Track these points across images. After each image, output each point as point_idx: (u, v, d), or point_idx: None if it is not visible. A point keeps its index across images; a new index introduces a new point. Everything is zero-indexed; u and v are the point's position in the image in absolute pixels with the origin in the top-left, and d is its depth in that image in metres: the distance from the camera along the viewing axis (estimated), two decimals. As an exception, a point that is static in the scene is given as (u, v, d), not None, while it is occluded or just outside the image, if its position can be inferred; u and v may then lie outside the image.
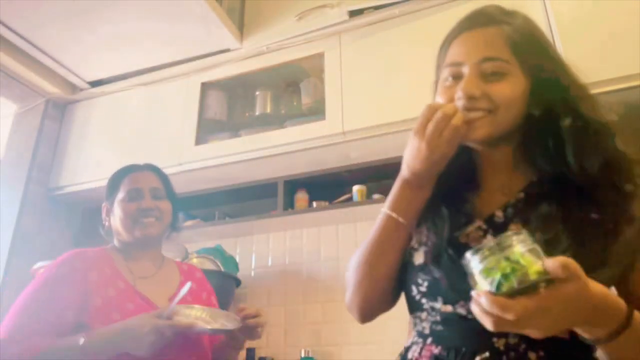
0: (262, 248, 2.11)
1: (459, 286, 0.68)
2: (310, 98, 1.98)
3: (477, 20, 0.79)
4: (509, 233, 0.55)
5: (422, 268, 0.75)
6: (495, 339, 0.66)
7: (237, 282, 1.95)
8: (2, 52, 1.98)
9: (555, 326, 0.56)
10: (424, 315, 0.76)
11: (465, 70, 0.75)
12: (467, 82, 0.74)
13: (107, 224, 1.40)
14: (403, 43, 1.76)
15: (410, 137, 0.74)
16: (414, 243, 0.79)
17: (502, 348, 0.66)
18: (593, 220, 0.68)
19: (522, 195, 0.76)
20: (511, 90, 0.74)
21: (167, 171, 1.96)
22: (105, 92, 2.28)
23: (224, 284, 1.86)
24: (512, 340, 0.66)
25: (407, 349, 0.78)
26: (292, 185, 1.99)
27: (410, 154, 0.75)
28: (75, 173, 2.18)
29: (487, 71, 0.74)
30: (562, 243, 0.64)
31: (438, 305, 0.73)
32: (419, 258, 0.77)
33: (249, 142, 1.91)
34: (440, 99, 0.78)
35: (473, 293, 0.56)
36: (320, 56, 1.91)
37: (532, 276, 0.52)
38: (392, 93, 1.71)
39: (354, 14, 1.86)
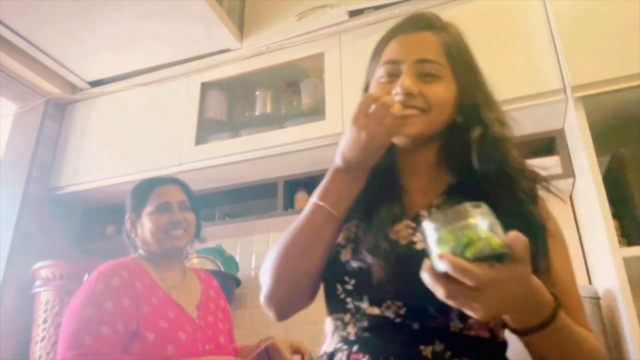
0: (262, 248, 2.11)
1: (390, 282, 0.68)
2: (310, 98, 1.98)
3: (417, 23, 0.83)
4: (468, 205, 0.53)
5: (350, 265, 0.73)
6: (422, 347, 0.66)
7: (237, 282, 1.95)
8: (2, 52, 1.98)
9: (500, 305, 0.54)
10: (347, 317, 0.73)
11: (403, 68, 0.77)
12: (406, 79, 0.75)
13: (133, 235, 1.46)
14: (403, 43, 1.76)
15: (347, 126, 0.73)
16: (340, 239, 0.77)
17: (429, 356, 0.65)
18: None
19: (444, 197, 0.78)
20: (445, 92, 0.77)
21: (167, 171, 1.98)
22: (105, 92, 2.28)
23: (224, 284, 1.85)
24: (437, 348, 0.65)
25: (330, 356, 0.73)
26: (292, 185, 1.99)
27: (348, 143, 0.73)
28: (75, 173, 2.18)
29: (424, 71, 0.77)
30: None
31: (364, 305, 0.71)
32: (346, 255, 0.74)
33: (249, 142, 1.91)
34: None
35: (434, 256, 0.53)
36: (320, 56, 1.91)
37: (495, 247, 0.51)
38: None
39: (354, 14, 1.86)
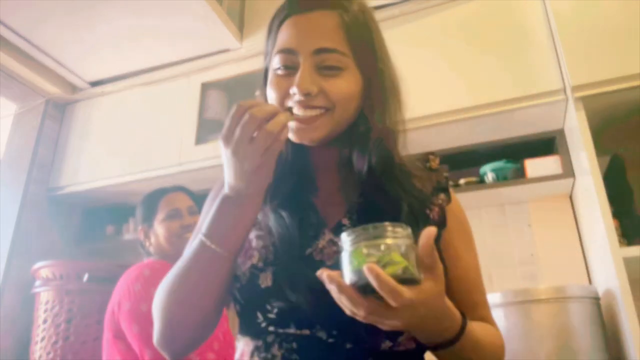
0: (262, 248, 2.12)
1: (319, 311, 0.62)
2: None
3: (310, 1, 0.70)
4: (390, 225, 0.52)
5: (271, 292, 0.64)
6: None
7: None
8: (2, 52, 1.98)
9: (411, 324, 0.54)
10: (270, 338, 0.65)
11: (300, 60, 0.67)
12: (303, 77, 0.66)
13: (147, 243, 1.54)
14: (403, 43, 1.75)
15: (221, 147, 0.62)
16: (257, 262, 0.67)
17: None
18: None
19: (361, 199, 0.71)
20: (347, 87, 0.67)
21: (167, 171, 1.98)
22: (105, 92, 2.28)
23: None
24: None
25: None
26: (292, 185, 1.99)
27: (228, 170, 0.62)
28: (75, 173, 2.18)
29: (323, 64, 0.67)
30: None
31: (291, 330, 0.64)
32: (266, 280, 0.65)
33: (249, 142, 1.91)
34: (272, 92, 0.70)
35: (353, 267, 0.51)
36: (320, 56, 1.90)
37: (413, 272, 0.51)
38: (392, 93, 1.70)
39: (354, 14, 1.86)
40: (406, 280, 0.51)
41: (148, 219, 1.55)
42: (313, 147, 0.71)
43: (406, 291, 0.49)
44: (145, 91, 2.20)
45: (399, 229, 0.52)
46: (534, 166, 1.64)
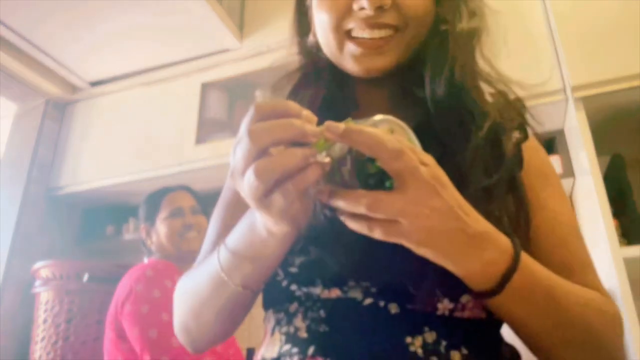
0: (262, 248, 2.11)
1: (348, 266, 0.48)
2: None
3: None
4: (381, 118, 0.41)
5: (293, 253, 0.51)
6: (409, 339, 0.46)
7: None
8: (2, 52, 1.98)
9: (425, 238, 0.40)
10: (293, 307, 0.52)
11: None
12: None
13: (149, 242, 1.55)
14: (403, 43, 1.76)
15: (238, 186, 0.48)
16: None
17: (420, 352, 0.46)
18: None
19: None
20: (423, 5, 0.56)
21: (167, 171, 1.98)
22: (105, 92, 2.28)
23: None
24: (429, 338, 0.47)
25: None
26: (292, 185, 1.99)
27: (257, 219, 0.47)
28: (75, 173, 2.18)
29: None
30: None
31: (317, 291, 0.50)
32: None
33: (249, 142, 1.90)
34: (324, 12, 0.56)
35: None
36: (320, 56, 1.90)
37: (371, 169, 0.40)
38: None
39: (354, 14, 1.86)
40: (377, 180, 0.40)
41: (150, 217, 1.55)
42: (366, 83, 0.59)
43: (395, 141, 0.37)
44: (145, 91, 2.20)
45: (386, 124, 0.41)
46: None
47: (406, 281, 0.48)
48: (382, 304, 0.48)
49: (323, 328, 0.49)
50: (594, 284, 0.55)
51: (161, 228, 1.52)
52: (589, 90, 1.40)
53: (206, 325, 0.56)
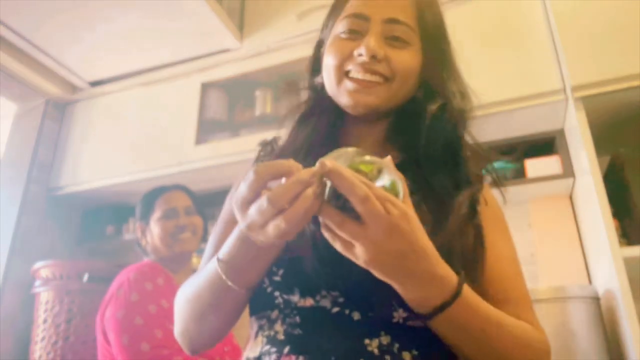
0: (262, 248, 2.11)
1: (322, 269, 0.58)
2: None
3: None
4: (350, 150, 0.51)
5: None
6: (367, 340, 0.56)
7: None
8: (2, 52, 1.98)
9: (378, 256, 0.48)
10: (274, 314, 0.62)
11: (369, 26, 0.68)
12: (373, 39, 0.66)
13: (143, 242, 1.54)
14: (403, 43, 1.76)
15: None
16: None
17: (376, 352, 0.55)
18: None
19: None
20: (411, 61, 0.68)
21: (167, 171, 1.98)
22: (105, 92, 2.28)
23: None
24: (384, 340, 0.56)
25: None
26: (292, 185, 1.99)
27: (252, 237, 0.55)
28: (75, 173, 2.18)
29: (392, 34, 0.68)
30: (426, 222, 0.55)
31: (295, 298, 0.60)
32: None
33: (249, 142, 1.91)
34: (332, 55, 0.69)
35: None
36: (320, 56, 1.90)
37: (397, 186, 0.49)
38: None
39: (354, 14, 1.86)
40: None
41: (145, 216, 1.54)
42: (354, 120, 0.71)
43: (369, 188, 0.46)
44: (145, 91, 2.20)
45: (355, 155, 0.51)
46: (534, 166, 1.64)
47: (368, 292, 0.58)
48: (347, 312, 0.58)
49: (297, 331, 0.59)
50: (527, 317, 0.63)
51: (154, 228, 1.51)
52: (589, 90, 1.40)
53: (206, 325, 0.65)
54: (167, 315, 1.30)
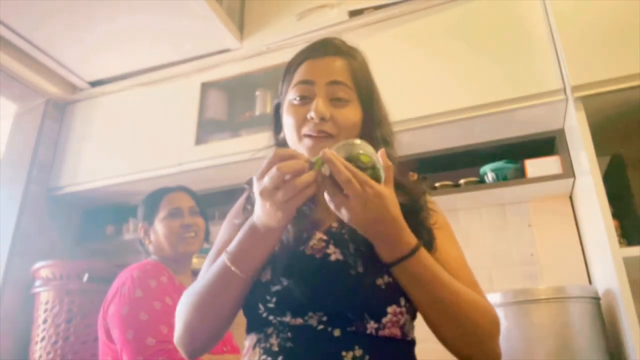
0: (262, 248, 2.11)
1: (309, 295, 0.72)
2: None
3: (326, 49, 0.86)
4: (356, 142, 0.69)
5: (270, 282, 0.75)
6: (343, 353, 0.70)
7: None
8: (2, 52, 1.98)
9: (359, 218, 0.67)
10: (270, 330, 0.75)
11: (315, 90, 0.82)
12: (320, 103, 0.80)
13: (147, 241, 1.55)
14: (403, 43, 1.76)
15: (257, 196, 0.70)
16: None
17: None
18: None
19: None
20: (353, 116, 0.83)
21: (167, 171, 1.98)
22: (105, 92, 2.28)
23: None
24: (357, 353, 0.70)
25: None
26: (292, 185, 1.99)
27: (261, 212, 0.71)
28: (75, 173, 2.18)
29: (335, 95, 0.82)
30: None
31: (287, 319, 0.74)
32: (266, 275, 0.76)
33: (249, 142, 1.91)
34: (289, 119, 0.83)
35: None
36: (320, 56, 1.90)
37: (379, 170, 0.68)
38: (392, 93, 1.69)
39: (354, 14, 1.86)
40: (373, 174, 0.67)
41: (149, 216, 1.55)
42: None
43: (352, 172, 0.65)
44: (145, 91, 2.20)
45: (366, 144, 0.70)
46: (534, 166, 1.64)
47: (344, 309, 0.72)
48: (329, 329, 0.72)
49: (289, 344, 0.73)
50: (480, 293, 0.79)
51: (159, 228, 1.52)
52: (589, 90, 1.40)
53: (211, 314, 0.77)
54: (172, 312, 1.30)
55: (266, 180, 0.67)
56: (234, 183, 2.07)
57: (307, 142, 0.81)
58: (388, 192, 0.68)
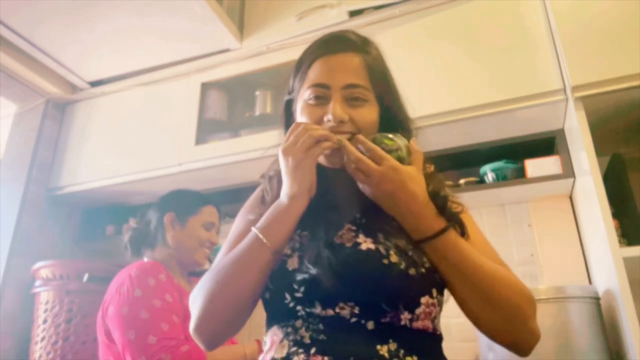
0: (262, 248, 2.11)
1: (338, 283, 0.71)
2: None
3: (340, 45, 0.85)
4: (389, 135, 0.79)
5: (297, 271, 0.74)
6: (378, 346, 0.69)
7: (237, 282, 1.96)
8: (2, 52, 1.98)
9: (380, 192, 0.74)
10: (299, 322, 0.73)
11: (332, 93, 0.81)
12: (337, 107, 0.80)
13: (170, 231, 1.54)
14: (403, 43, 1.76)
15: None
16: (286, 250, 0.78)
17: (386, 355, 0.68)
18: None
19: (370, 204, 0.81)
20: (370, 115, 0.83)
21: (167, 171, 1.98)
22: (105, 92, 2.28)
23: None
24: (392, 347, 0.69)
25: None
26: (292, 185, 1.98)
27: (284, 174, 0.79)
28: (75, 173, 2.18)
29: (351, 96, 0.81)
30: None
31: (317, 310, 0.72)
32: (293, 264, 0.75)
33: (249, 142, 1.91)
34: (304, 118, 0.83)
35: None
36: (320, 56, 1.90)
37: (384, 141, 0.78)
38: (392, 93, 1.70)
39: (354, 14, 1.86)
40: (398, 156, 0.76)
41: (186, 212, 1.55)
42: (335, 170, 0.84)
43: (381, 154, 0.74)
44: (145, 91, 2.20)
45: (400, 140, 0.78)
46: (534, 166, 1.64)
47: (378, 300, 0.71)
48: (362, 321, 0.71)
49: (322, 337, 0.70)
50: (509, 271, 0.80)
51: (191, 230, 1.53)
52: (589, 90, 1.40)
53: (234, 294, 0.75)
54: (172, 309, 1.31)
55: (291, 137, 0.77)
56: (234, 183, 2.07)
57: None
58: (411, 170, 0.73)
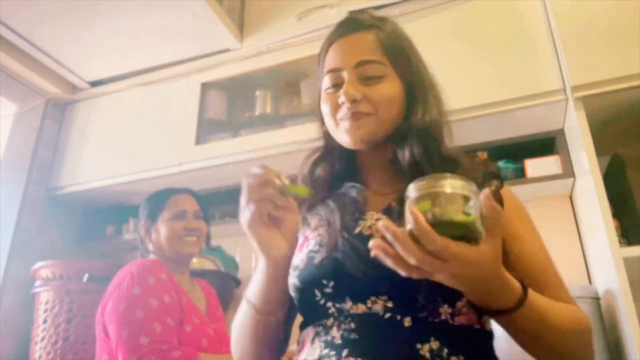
0: (262, 248, 2.11)
1: (371, 278, 0.65)
2: (310, 98, 1.98)
3: (349, 26, 0.82)
4: (451, 175, 0.53)
5: (325, 266, 0.70)
6: (418, 345, 0.62)
7: (237, 282, 1.95)
8: (2, 52, 1.98)
9: (461, 282, 0.56)
10: (330, 321, 0.69)
11: (345, 75, 0.78)
12: (348, 86, 0.76)
13: (147, 240, 1.55)
14: (403, 43, 1.75)
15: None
16: (313, 246, 0.74)
17: (428, 356, 0.61)
18: None
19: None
20: (389, 90, 0.77)
21: (167, 171, 1.98)
22: (105, 92, 2.28)
23: (223, 284, 1.86)
24: (434, 345, 0.62)
25: None
26: (292, 185, 1.98)
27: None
28: (75, 173, 2.18)
29: (365, 74, 0.77)
30: None
31: (347, 306, 0.67)
32: (319, 257, 0.72)
33: (249, 142, 1.91)
34: (325, 108, 0.81)
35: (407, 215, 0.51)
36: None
37: (458, 219, 0.50)
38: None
39: (354, 14, 1.86)
40: (466, 233, 0.50)
41: (152, 215, 1.55)
42: (363, 151, 0.81)
43: (440, 238, 0.50)
44: (145, 91, 2.20)
45: (462, 182, 0.52)
46: (534, 166, 1.64)
47: (413, 292, 0.64)
48: (398, 317, 0.65)
49: (354, 336, 0.65)
50: (568, 299, 0.72)
51: (162, 228, 1.52)
52: (589, 90, 1.40)
53: (245, 349, 0.77)
54: (168, 310, 1.31)
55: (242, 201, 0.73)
56: (234, 183, 2.07)
57: (344, 124, 0.78)
58: (487, 251, 0.53)
